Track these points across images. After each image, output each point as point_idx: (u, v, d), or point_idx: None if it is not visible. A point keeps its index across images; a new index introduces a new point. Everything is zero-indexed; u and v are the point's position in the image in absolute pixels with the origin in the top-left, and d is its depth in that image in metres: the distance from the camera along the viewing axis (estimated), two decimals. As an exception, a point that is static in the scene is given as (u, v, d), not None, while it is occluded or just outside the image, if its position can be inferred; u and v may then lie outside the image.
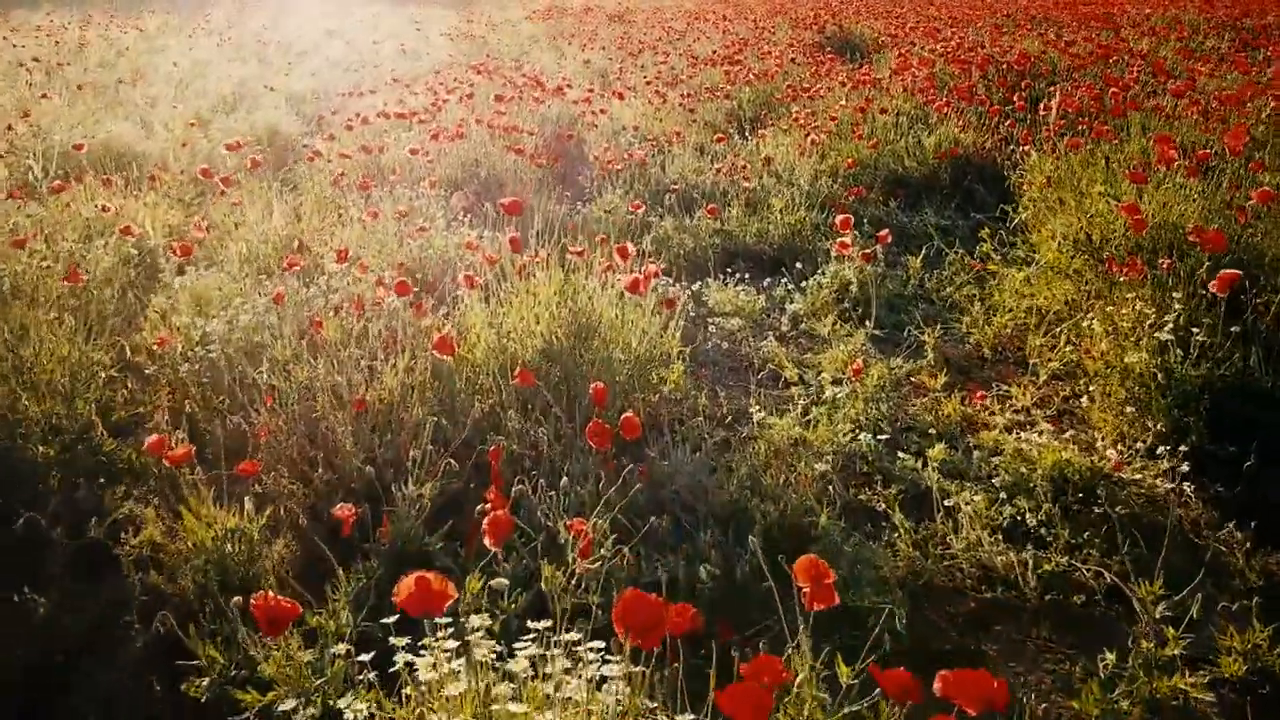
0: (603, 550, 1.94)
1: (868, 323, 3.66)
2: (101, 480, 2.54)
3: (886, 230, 4.24)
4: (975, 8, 16.55)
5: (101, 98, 8.46)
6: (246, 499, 2.13)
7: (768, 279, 4.46)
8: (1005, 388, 3.38)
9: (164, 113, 7.92)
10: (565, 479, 2.24)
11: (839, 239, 4.07)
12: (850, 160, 5.76)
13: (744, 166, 5.78)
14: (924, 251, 4.55)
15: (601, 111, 6.96)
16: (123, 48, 12.48)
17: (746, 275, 4.49)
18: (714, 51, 10.95)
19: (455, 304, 3.20)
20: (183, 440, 2.28)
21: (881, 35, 11.63)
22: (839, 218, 4.25)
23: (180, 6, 19.93)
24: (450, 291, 3.49)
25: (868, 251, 4.14)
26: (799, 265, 4.64)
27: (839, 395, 2.97)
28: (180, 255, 3.56)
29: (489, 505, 2.06)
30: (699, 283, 4.32)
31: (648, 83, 8.60)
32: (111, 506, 2.40)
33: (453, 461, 2.25)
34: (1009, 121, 5.95)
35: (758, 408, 3.00)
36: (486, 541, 1.90)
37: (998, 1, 17.06)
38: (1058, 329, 3.53)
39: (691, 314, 3.94)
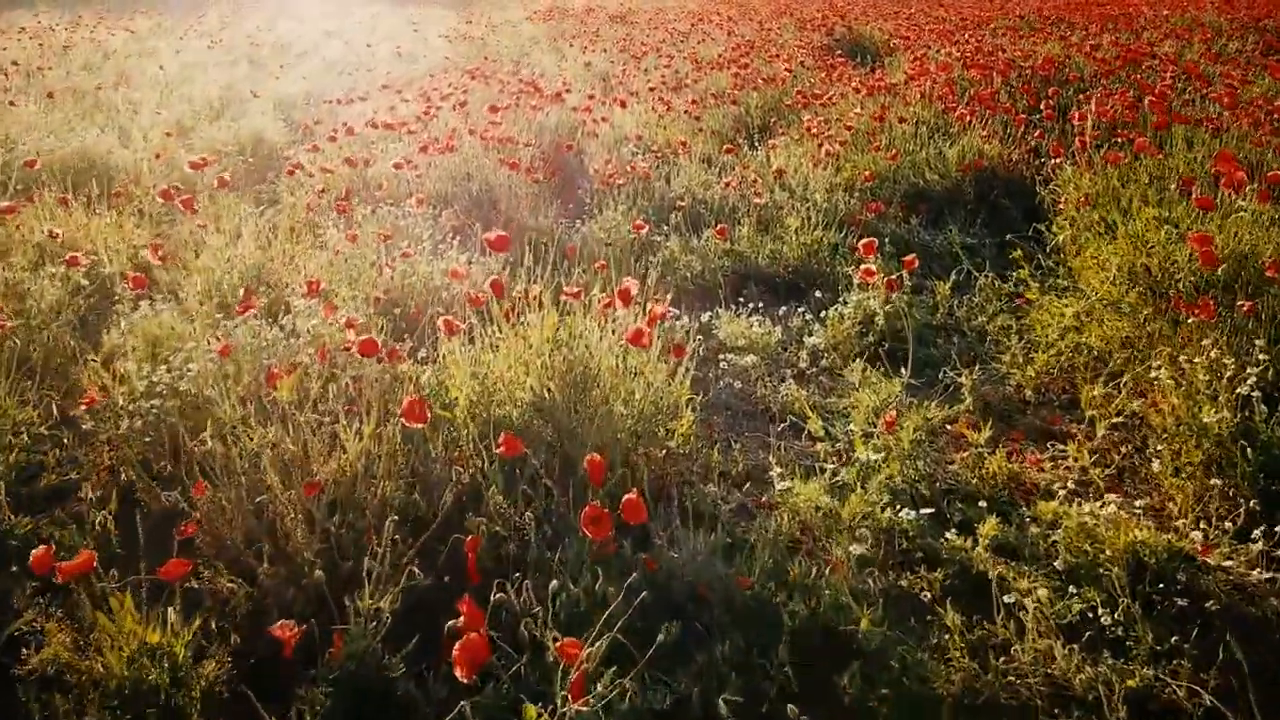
0: (599, 686, 1.57)
1: (904, 370, 3.28)
2: (9, 573, 2.17)
3: (913, 255, 3.86)
4: (986, 8, 16.17)
5: (80, 104, 8.10)
6: (171, 609, 1.76)
7: (783, 307, 4.09)
8: (1057, 443, 3.01)
9: (147, 119, 7.57)
10: (555, 580, 1.87)
11: (863, 266, 3.70)
12: (868, 173, 5.39)
13: (754, 180, 5.41)
14: (952, 277, 4.17)
15: (603, 120, 6.60)
16: (110, 50, 12.13)
17: (760, 303, 4.12)
18: (719, 54, 10.59)
19: (437, 344, 2.83)
20: (109, 518, 1.91)
21: (892, 38, 11.25)
22: (861, 241, 3.87)
23: (174, 7, 19.60)
24: (433, 327, 3.13)
25: (893, 278, 3.77)
26: (817, 292, 4.28)
27: (873, 459, 2.60)
28: (134, 287, 3.20)
29: (461, 620, 1.70)
30: (708, 313, 3.96)
31: (651, 88, 8.23)
32: (12, 614, 2.03)
33: (416, 570, 1.88)
34: (1037, 132, 5.57)
35: (779, 469, 2.63)
36: (457, 672, 1.54)
37: (1009, 2, 16.68)
38: (1115, 377, 3.15)
39: (701, 350, 3.57)
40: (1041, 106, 5.84)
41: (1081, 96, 5.85)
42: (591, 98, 7.34)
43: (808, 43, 11.49)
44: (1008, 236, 4.98)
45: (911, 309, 3.90)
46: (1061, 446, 2.97)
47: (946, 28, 11.95)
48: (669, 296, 4.02)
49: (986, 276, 4.24)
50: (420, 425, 2.07)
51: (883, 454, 2.64)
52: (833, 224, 4.78)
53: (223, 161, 6.31)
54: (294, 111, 8.87)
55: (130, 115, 7.77)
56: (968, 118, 5.88)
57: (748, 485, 2.73)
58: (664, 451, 2.73)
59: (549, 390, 2.45)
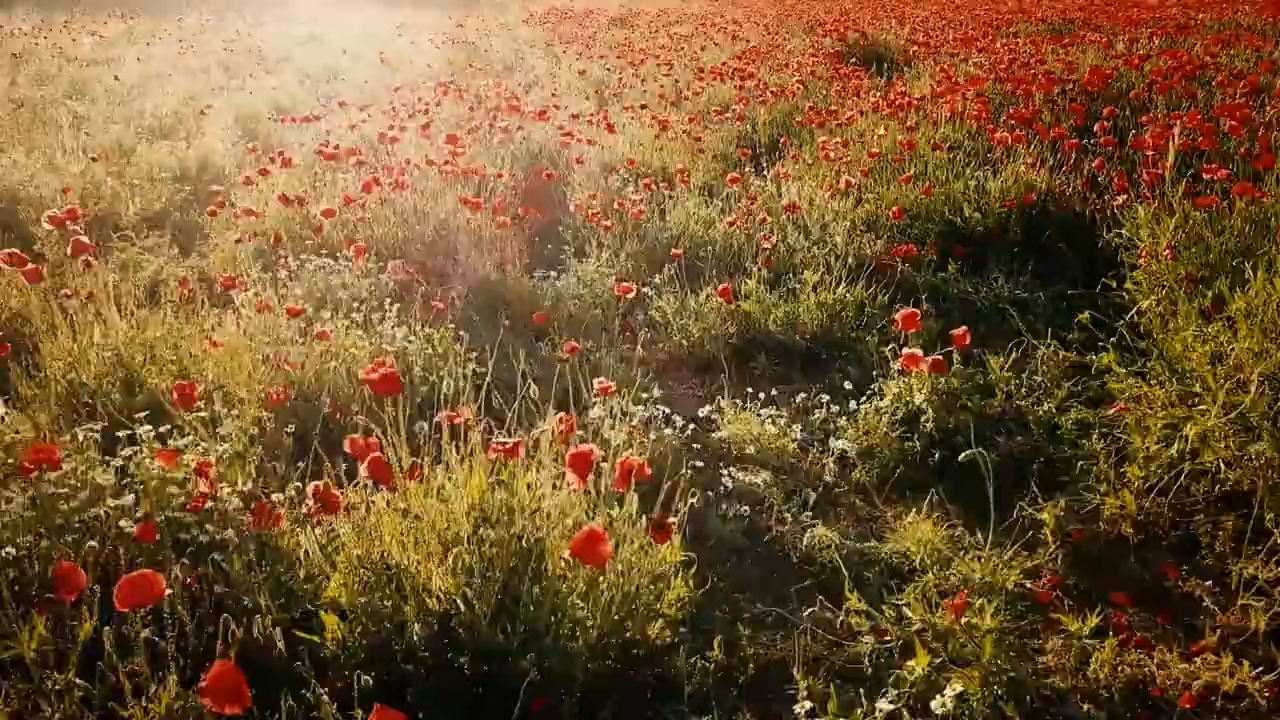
0: None
1: (980, 545, 2.47)
2: None
3: (963, 330, 3.06)
4: (1002, 11, 15.35)
5: (16, 119, 7.34)
6: None
7: (801, 394, 3.28)
8: (1179, 612, 2.22)
9: (97, 137, 6.81)
10: None
11: (904, 350, 2.90)
12: (896, 209, 4.59)
13: (762, 217, 4.62)
14: (1009, 353, 3.37)
15: (590, 142, 5.81)
16: (71, 56, 11.37)
17: (772, 384, 3.34)
18: (723, 62, 9.79)
19: (334, 483, 2.04)
20: None
21: (909, 44, 10.45)
22: (900, 314, 3.09)
23: (157, 10, 18.85)
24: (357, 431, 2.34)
25: (938, 358, 2.96)
26: (841, 365, 3.49)
27: (938, 678, 1.80)
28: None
29: None
30: (708, 405, 3.16)
31: (643, 106, 7.44)
32: None
33: None
34: (1095, 160, 4.76)
35: (804, 683, 1.84)
36: None
37: (1031, 5, 15.86)
38: (1249, 514, 2.35)
39: (697, 459, 2.78)
40: (1095, 129, 5.03)
41: (1143, 119, 5.04)
42: (575, 118, 6.54)
43: (818, 49, 10.70)
44: (1069, 291, 4.19)
45: (960, 398, 3.10)
46: (1189, 619, 2.18)
47: (967, 33, 11.14)
48: (656, 365, 3.23)
49: (1048, 346, 3.45)
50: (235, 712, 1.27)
51: (951, 650, 1.84)
52: (858, 274, 3.99)
53: (154, 190, 5.53)
54: (259, 125, 8.10)
55: (76, 131, 7.00)
56: (1009, 141, 5.07)
57: (761, 689, 1.93)
58: (643, 651, 1.94)
59: (466, 594, 1.66)
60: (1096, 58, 6.75)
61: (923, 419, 2.92)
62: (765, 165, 6.41)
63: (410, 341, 3.07)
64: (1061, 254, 4.46)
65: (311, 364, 2.82)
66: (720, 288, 3.53)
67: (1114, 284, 3.82)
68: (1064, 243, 4.51)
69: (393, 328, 3.11)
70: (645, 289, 4.00)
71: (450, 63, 12.38)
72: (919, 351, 2.89)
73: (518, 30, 17.78)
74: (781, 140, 6.33)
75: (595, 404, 2.51)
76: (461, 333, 3.15)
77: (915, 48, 9.81)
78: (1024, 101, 5.91)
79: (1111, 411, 2.89)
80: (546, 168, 5.32)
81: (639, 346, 3.40)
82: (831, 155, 5.39)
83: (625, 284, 3.29)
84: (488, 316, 3.74)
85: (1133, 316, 3.50)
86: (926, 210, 4.71)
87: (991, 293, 4.16)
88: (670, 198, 4.88)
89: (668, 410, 2.90)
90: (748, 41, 12.79)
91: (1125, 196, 4.25)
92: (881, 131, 5.50)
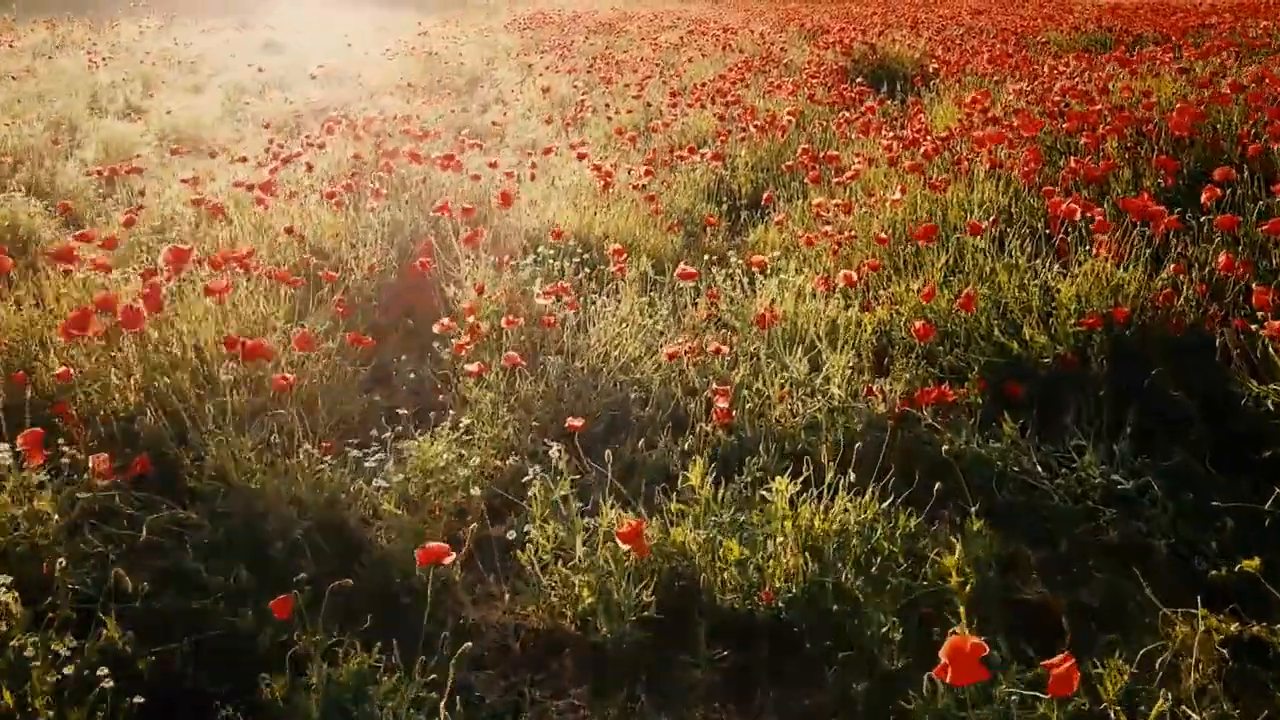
0: None
1: None
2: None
3: (1065, 663, 1.56)
4: (1029, 17, 13.82)
5: None
6: None
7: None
8: None
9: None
10: None
11: (947, 648, 1.40)
12: (921, 324, 3.08)
13: (716, 348, 3.11)
14: (1128, 627, 1.88)
15: (505, 205, 4.30)
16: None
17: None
18: (704, 83, 8.29)
19: None
20: None
21: (927, 58, 8.94)
22: (950, 641, 1.60)
23: (110, 13, 17.38)
24: None
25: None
26: (838, 667, 2.00)
27: None
28: None
29: None
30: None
31: (612, 136, 5.96)
32: None
33: None
34: (1221, 258, 3.22)
35: None
36: None
37: (1057, 11, 14.33)
38: None
39: None
40: (1202, 198, 3.52)
41: (1276, 187, 3.52)
42: (492, 165, 5.02)
43: (819, 63, 9.20)
44: (1191, 464, 2.69)
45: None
46: None
47: (992, 48, 9.61)
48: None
49: (1199, 625, 1.96)
50: None
51: None
52: (866, 447, 2.47)
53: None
54: (132, 157, 6.62)
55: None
56: (1076, 213, 3.54)
57: None
58: None
59: None
60: (1172, 86, 5.23)
61: None
62: (744, 227, 4.93)
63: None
64: (1175, 402, 2.95)
65: None
66: (629, 524, 2.02)
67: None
68: (1176, 384, 3.00)
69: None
70: (528, 473, 2.50)
71: (404, 77, 10.90)
72: (972, 641, 1.40)
73: (496, 37, 16.32)
74: (765, 197, 4.83)
75: None
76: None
77: (934, 64, 8.28)
78: (1089, 150, 4.40)
79: None
80: (424, 249, 3.81)
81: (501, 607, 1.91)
82: (829, 228, 3.89)
83: (435, 546, 1.80)
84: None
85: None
86: (966, 328, 3.21)
87: (1074, 477, 2.66)
88: (594, 300, 3.38)
89: None
90: (740, 52, 11.29)
91: (1270, 318, 2.74)
92: (897, 194, 3.99)
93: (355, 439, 2.59)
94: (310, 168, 4.87)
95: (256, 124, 8.45)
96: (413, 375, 3.13)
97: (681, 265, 3.41)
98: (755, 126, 5.84)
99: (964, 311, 3.16)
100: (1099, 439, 2.76)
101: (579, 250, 4.35)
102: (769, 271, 3.61)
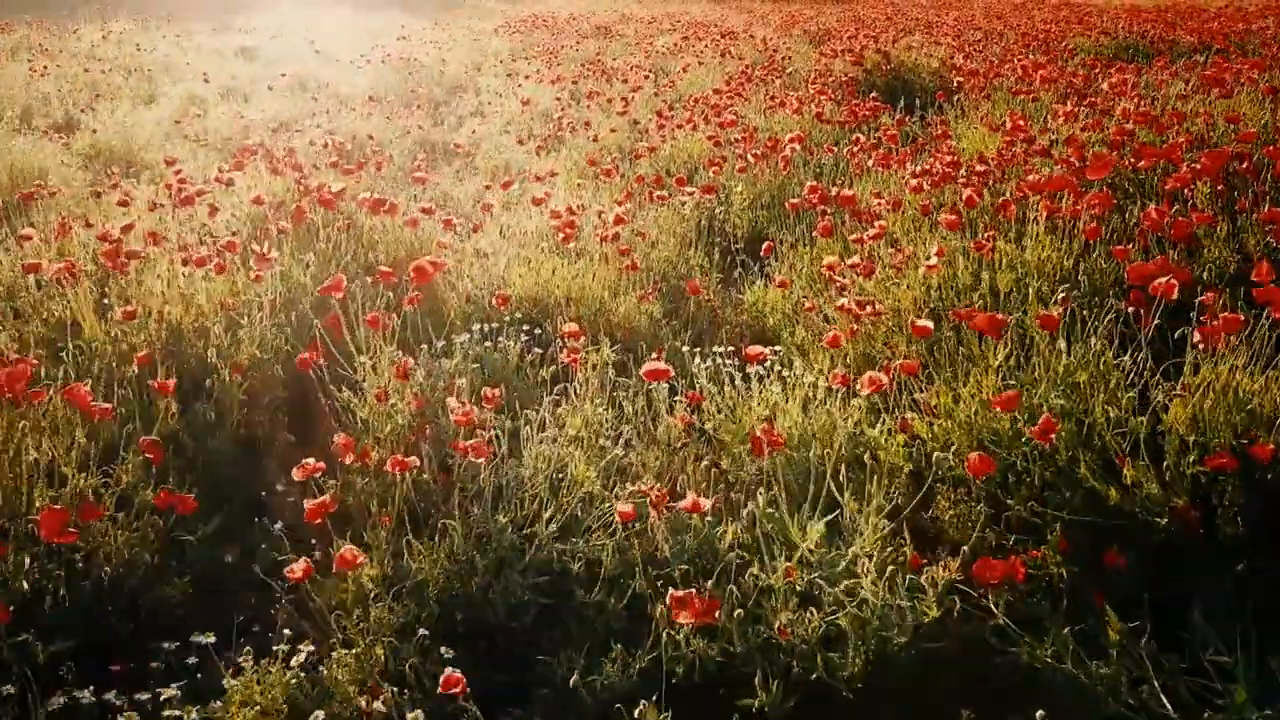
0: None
1: None
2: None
3: None
4: (1052, 21, 12.92)
5: None
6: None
7: None
8: None
9: None
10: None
11: None
12: (978, 459, 2.20)
13: (705, 471, 2.24)
14: None
15: (434, 266, 3.41)
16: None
17: None
18: (700, 97, 7.41)
19: None
20: None
21: (947, 67, 8.04)
22: None
23: (84, 16, 16.52)
24: None
25: None
26: None
27: None
28: None
29: None
30: None
31: (585, 166, 5.10)
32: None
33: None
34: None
35: None
36: None
37: (1076, 15, 13.43)
38: None
39: None
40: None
41: None
42: (428, 212, 4.13)
43: (827, 73, 8.31)
44: None
45: None
46: None
47: (1019, 56, 8.71)
48: None
49: None
50: None
51: None
52: (896, 676, 1.61)
53: None
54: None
55: None
56: (1172, 291, 2.65)
57: None
58: None
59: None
60: (1258, 109, 4.35)
61: None
62: (740, 281, 4.07)
63: None
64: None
65: None
66: None
67: None
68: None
69: None
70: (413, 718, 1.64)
71: (372, 87, 10.04)
72: None
73: (484, 41, 15.45)
74: (766, 247, 3.95)
75: None
76: None
77: (956, 75, 7.40)
78: (1167, 193, 3.51)
79: None
80: (311, 345, 2.93)
81: None
82: (846, 299, 3.01)
83: None
84: None
85: None
86: (1041, 464, 2.33)
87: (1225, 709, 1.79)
88: (537, 412, 2.50)
89: None
90: (741, 59, 10.41)
91: None
92: (932, 257, 3.10)
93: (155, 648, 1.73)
94: (214, 211, 4.01)
95: (203, 141, 7.60)
96: (264, 547, 2.25)
97: (652, 361, 2.53)
98: (754, 155, 4.96)
99: (1039, 442, 2.28)
100: (1244, 645, 1.89)
101: (532, 317, 3.50)
102: (769, 385, 2.73)
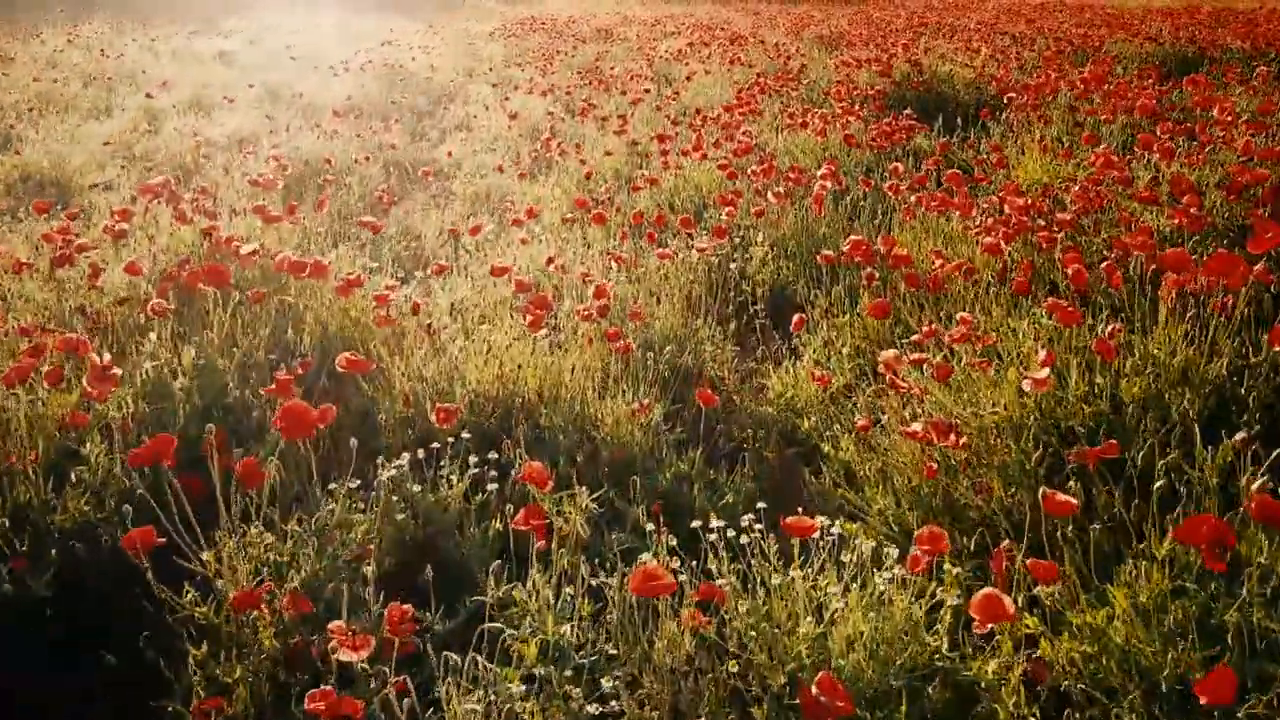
0: None
1: None
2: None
3: None
4: (1081, 24, 12.04)
5: None
6: None
7: None
8: None
9: None
10: None
11: None
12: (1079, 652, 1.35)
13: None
14: None
15: (390, 359, 2.55)
16: None
17: None
18: (710, 115, 6.53)
19: None
20: None
21: (983, 78, 7.16)
22: None
23: (68, 19, 15.67)
24: None
25: None
26: None
27: None
28: None
29: None
30: None
31: (569, 212, 4.25)
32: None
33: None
34: None
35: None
36: None
37: (1112, 17, 12.54)
38: None
39: None
40: None
41: None
42: (354, 281, 3.26)
43: (849, 84, 7.43)
44: None
45: None
46: None
47: (1061, 65, 7.82)
48: None
49: None
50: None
51: None
52: None
53: None
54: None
55: None
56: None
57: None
58: None
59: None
60: None
61: None
62: (758, 354, 3.22)
63: None
64: None
65: None
66: None
67: None
68: None
69: None
70: None
71: (349, 97, 9.19)
72: None
73: (477, 45, 14.60)
74: (796, 320, 3.07)
75: None
76: None
77: (996, 87, 6.51)
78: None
79: None
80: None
81: None
82: (917, 424, 2.14)
83: None
84: None
85: None
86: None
87: None
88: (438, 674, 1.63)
89: None
90: (751, 67, 9.54)
91: None
92: (1036, 365, 2.23)
93: None
94: (96, 273, 3.15)
95: (150, 163, 6.76)
96: None
97: (646, 567, 1.66)
98: (775, 194, 4.09)
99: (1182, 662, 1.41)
100: None
101: (490, 427, 2.65)
102: (820, 535, 1.86)
